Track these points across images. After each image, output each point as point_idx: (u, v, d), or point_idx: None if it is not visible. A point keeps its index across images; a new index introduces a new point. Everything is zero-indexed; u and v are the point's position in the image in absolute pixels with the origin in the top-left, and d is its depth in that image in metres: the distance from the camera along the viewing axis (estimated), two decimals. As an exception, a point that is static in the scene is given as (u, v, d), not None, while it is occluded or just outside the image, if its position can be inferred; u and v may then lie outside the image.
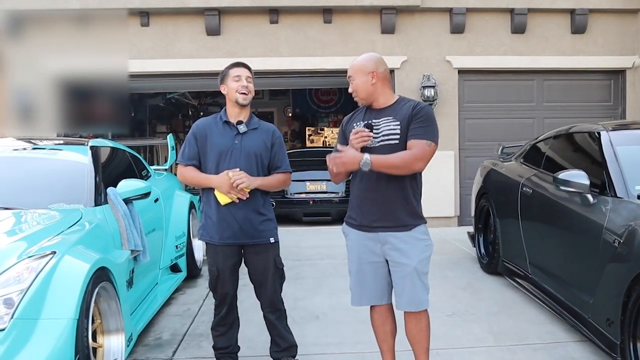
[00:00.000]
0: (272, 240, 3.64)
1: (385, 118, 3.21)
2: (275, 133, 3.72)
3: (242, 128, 3.59)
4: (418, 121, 3.14)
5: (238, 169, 3.47)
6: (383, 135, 3.17)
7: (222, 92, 3.65)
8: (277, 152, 3.68)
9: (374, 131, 3.18)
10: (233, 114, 3.62)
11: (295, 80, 10.54)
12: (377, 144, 3.16)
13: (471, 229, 7.02)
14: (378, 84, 3.24)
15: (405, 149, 3.12)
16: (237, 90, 3.56)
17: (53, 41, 9.05)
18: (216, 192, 3.51)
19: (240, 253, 3.65)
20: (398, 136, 3.15)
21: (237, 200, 3.48)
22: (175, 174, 8.60)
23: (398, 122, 3.17)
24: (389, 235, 3.20)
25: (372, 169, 3.05)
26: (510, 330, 4.53)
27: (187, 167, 3.63)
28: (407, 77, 9.62)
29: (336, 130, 16.44)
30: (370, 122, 3.21)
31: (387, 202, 3.18)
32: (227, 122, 3.62)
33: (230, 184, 3.43)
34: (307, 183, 10.25)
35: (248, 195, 3.49)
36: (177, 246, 5.73)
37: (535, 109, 10.05)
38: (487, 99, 9.99)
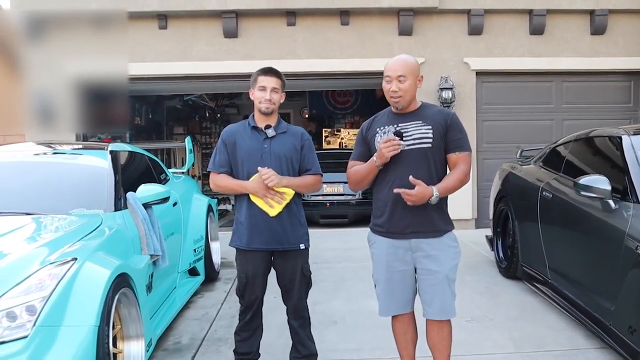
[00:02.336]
0: (302, 246, 3.63)
1: (413, 122, 3.21)
2: (304, 136, 3.71)
3: (270, 132, 3.58)
4: (454, 131, 3.22)
5: (267, 167, 3.45)
6: (413, 139, 3.16)
7: (250, 96, 3.65)
8: (306, 154, 3.65)
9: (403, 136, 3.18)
10: (260, 119, 3.63)
11: (313, 82, 10.56)
12: (406, 148, 3.15)
13: (489, 232, 6.97)
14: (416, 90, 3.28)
15: (437, 153, 3.19)
16: (260, 101, 3.57)
17: (70, 43, 9.09)
18: (260, 204, 3.49)
19: (270, 259, 3.64)
20: (430, 140, 3.17)
21: (280, 202, 3.47)
22: (193, 177, 8.68)
23: (430, 127, 3.18)
24: (421, 242, 3.19)
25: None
26: (529, 337, 4.49)
27: (220, 175, 3.61)
28: (424, 79, 9.40)
29: (352, 131, 16.42)
30: (400, 129, 3.18)
31: (421, 206, 3.13)
32: (255, 127, 3.62)
33: (265, 187, 3.42)
34: (324, 185, 10.17)
35: (285, 199, 3.48)
36: (195, 250, 5.74)
37: (554, 110, 9.98)
38: (506, 101, 9.93)
